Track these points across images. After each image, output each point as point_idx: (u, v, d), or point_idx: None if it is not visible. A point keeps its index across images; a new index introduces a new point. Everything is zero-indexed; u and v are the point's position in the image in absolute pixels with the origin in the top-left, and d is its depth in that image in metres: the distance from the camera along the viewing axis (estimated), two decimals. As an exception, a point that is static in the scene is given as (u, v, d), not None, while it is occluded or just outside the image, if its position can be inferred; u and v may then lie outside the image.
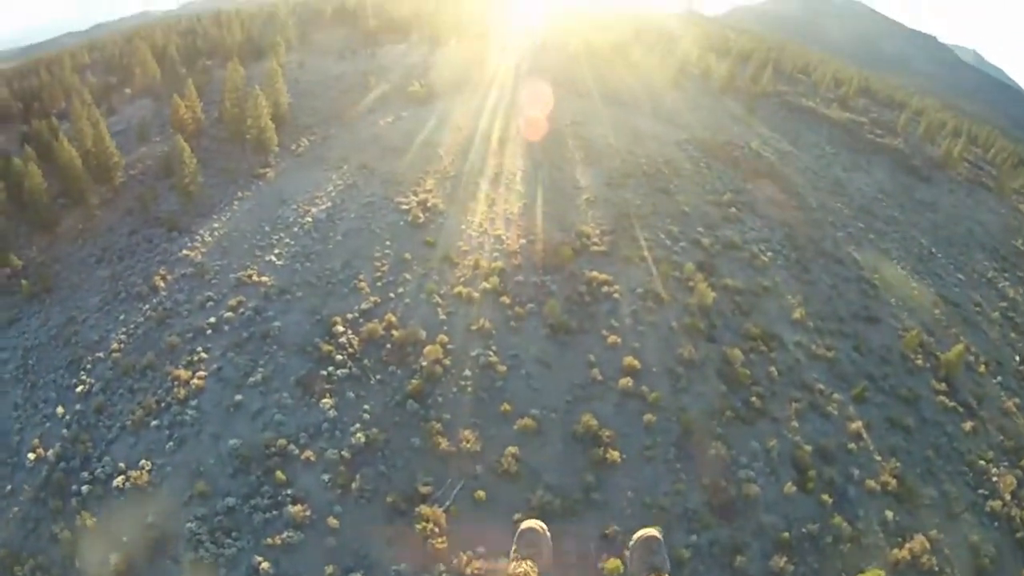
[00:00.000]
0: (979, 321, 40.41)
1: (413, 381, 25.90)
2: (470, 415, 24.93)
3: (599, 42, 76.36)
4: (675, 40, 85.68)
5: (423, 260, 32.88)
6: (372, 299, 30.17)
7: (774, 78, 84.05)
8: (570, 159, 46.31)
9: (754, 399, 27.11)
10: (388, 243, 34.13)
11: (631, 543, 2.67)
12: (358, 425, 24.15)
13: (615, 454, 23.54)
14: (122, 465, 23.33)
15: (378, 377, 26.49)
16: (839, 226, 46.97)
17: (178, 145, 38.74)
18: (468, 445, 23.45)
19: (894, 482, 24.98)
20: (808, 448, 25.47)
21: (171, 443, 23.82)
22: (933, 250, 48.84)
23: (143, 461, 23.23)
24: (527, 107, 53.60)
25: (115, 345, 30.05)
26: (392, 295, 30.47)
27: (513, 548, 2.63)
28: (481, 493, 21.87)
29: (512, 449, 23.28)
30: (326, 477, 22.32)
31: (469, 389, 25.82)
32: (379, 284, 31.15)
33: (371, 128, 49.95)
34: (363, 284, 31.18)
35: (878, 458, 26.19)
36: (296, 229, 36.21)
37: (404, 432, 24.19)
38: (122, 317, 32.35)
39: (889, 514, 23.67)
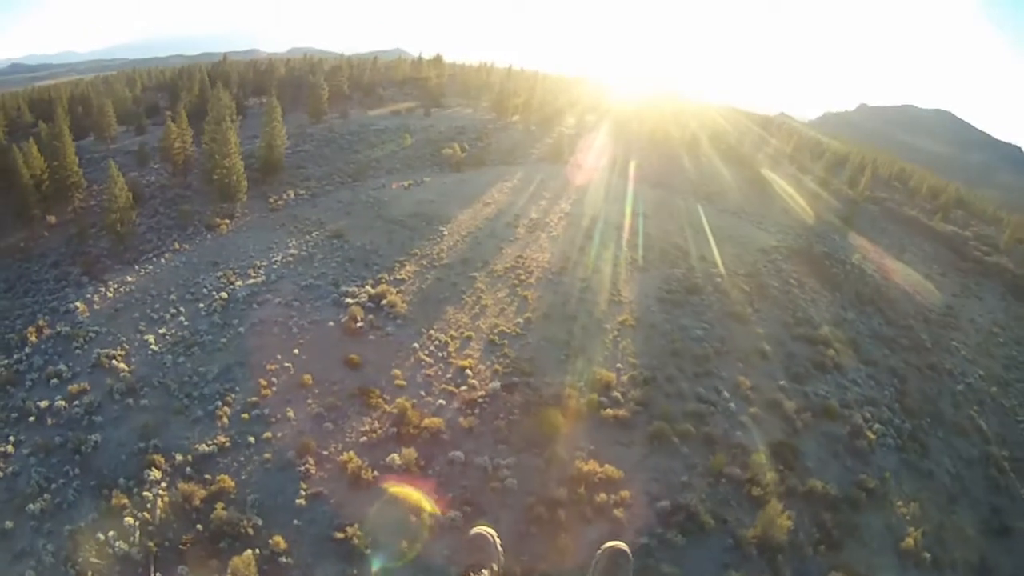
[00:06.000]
0: None
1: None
2: None
3: (683, 131, 67.29)
4: (766, 137, 75.73)
5: (326, 390, 22.40)
6: (221, 438, 20.11)
7: (872, 183, 72.61)
8: (616, 260, 35.31)
9: None
10: (296, 352, 24.27)
11: (597, 554, 2.29)
12: None
13: None
14: None
15: (153, 592, 16.05)
16: (957, 375, 34.45)
17: (112, 174, 32.01)
18: None
19: None
20: None
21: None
22: (1066, 410, 36.25)
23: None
24: (580, 190, 44.38)
25: (-44, 407, 23.80)
26: (251, 439, 20.13)
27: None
28: None
29: None
30: None
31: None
32: (245, 416, 21.03)
33: (376, 190, 41.90)
34: (225, 409, 21.33)
35: None
36: (201, 305, 27.56)
37: None
38: (-17, 367, 26.20)
39: None
